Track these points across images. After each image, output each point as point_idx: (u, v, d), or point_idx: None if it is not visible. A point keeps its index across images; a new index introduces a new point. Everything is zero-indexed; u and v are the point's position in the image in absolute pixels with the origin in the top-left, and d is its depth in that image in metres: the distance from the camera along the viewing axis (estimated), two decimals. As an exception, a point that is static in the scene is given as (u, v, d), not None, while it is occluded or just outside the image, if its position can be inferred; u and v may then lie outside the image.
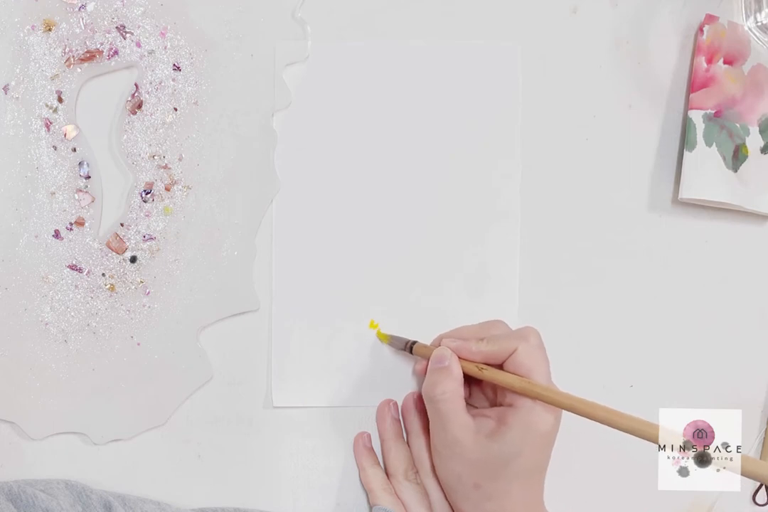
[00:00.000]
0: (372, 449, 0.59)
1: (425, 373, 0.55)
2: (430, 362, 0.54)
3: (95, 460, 0.57)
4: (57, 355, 0.57)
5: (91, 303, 0.57)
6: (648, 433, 0.48)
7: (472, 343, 0.54)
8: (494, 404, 0.55)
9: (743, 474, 0.47)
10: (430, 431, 0.55)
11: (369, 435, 0.59)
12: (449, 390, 0.52)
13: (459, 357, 0.54)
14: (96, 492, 0.54)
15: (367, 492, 0.58)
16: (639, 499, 0.60)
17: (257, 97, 0.58)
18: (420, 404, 0.59)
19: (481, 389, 0.57)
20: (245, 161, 0.58)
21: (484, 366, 0.53)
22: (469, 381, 0.56)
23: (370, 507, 0.57)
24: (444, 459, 0.54)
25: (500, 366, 0.53)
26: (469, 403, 0.56)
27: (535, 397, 0.51)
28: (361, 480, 0.59)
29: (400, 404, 0.59)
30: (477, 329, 0.56)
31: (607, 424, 0.48)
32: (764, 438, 0.62)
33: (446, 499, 0.56)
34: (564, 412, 0.51)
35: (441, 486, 0.57)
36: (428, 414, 0.54)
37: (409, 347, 0.57)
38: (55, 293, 0.57)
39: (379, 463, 0.59)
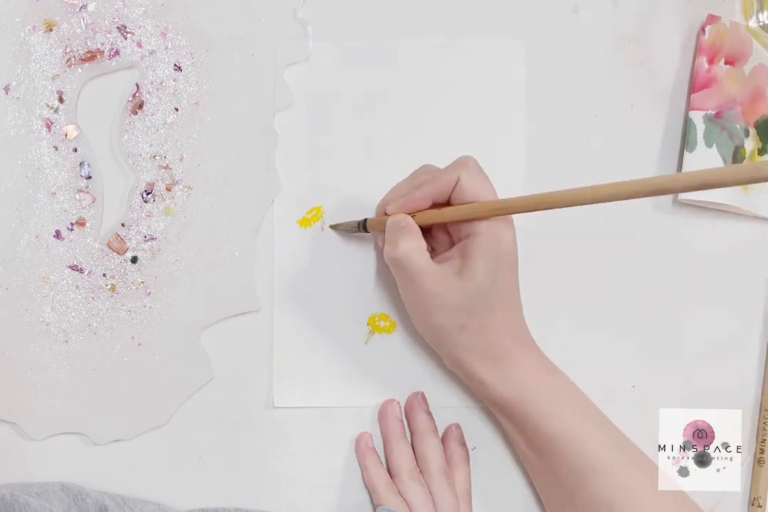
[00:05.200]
0: (374, 449, 0.59)
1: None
2: (386, 231, 0.53)
3: (96, 461, 0.57)
4: (58, 356, 0.57)
5: (92, 304, 0.57)
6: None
7: (414, 193, 0.53)
8: (452, 246, 0.54)
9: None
10: (401, 294, 0.54)
11: (371, 435, 0.59)
12: (412, 246, 0.51)
13: (410, 213, 0.53)
14: (92, 494, 0.54)
15: (371, 492, 0.58)
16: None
17: (258, 97, 0.58)
18: (425, 404, 0.59)
19: (436, 240, 0.56)
20: (246, 161, 0.58)
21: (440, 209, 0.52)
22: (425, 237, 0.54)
23: (374, 507, 0.57)
24: (424, 316, 0.54)
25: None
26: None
27: (499, 212, 0.50)
28: (364, 480, 0.59)
29: (402, 404, 0.59)
30: (408, 180, 0.55)
31: (579, 204, 0.47)
32: (764, 438, 0.62)
33: (451, 500, 0.56)
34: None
35: (448, 487, 0.56)
36: (396, 277, 0.54)
37: (362, 226, 0.57)
38: (56, 293, 0.57)
39: (381, 463, 0.59)
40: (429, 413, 0.59)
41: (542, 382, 0.54)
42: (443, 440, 0.59)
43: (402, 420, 0.59)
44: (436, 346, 0.56)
